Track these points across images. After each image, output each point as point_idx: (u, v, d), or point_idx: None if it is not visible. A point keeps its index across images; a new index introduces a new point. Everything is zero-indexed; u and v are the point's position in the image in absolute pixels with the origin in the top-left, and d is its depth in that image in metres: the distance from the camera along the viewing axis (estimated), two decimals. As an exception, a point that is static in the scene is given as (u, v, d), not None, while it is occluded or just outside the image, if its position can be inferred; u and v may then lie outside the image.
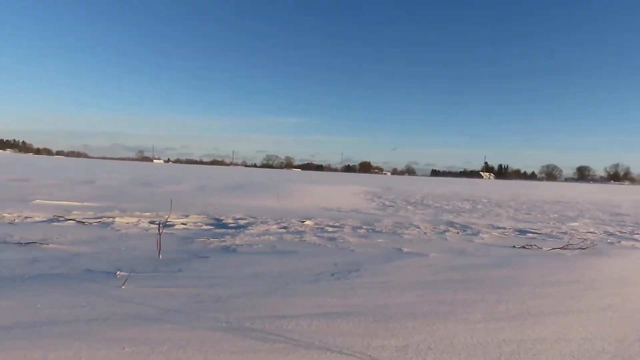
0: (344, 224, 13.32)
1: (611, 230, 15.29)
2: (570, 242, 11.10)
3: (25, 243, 7.66)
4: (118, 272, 5.72)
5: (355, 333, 4.18)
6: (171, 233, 10.04)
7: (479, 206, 24.10)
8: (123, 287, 5.00)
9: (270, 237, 10.08)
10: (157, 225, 9.16)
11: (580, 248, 10.31)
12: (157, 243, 7.47)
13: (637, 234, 14.56)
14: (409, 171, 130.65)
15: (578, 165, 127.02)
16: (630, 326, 5.03)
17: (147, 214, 13.56)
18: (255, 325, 4.11)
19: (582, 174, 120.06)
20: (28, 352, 3.16)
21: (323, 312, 4.65)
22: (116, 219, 11.87)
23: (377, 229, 12.54)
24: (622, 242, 12.39)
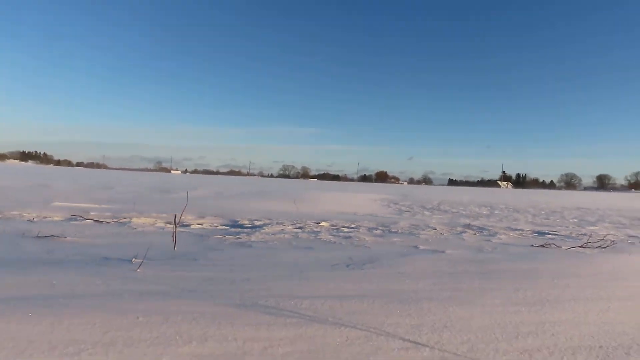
0: (359, 226, 13.25)
1: (632, 232, 14.95)
2: (590, 241, 10.86)
3: (44, 236, 7.78)
4: (133, 259, 5.76)
5: (369, 312, 4.13)
6: (187, 232, 10.10)
7: (497, 212, 23.79)
8: (138, 270, 5.03)
9: (286, 236, 10.07)
10: (173, 225, 9.23)
11: (600, 247, 10.10)
12: (172, 236, 7.52)
13: (660, 236, 14.20)
14: (426, 180, 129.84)
15: (598, 173, 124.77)
16: (653, 313, 4.88)
17: (164, 215, 13.68)
18: (269, 303, 4.09)
19: (602, 183, 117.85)
20: (44, 317, 3.20)
21: (337, 295, 4.61)
22: (133, 219, 12.00)
23: (392, 230, 12.44)
24: (645, 242, 12.10)
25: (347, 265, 6.53)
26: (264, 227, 11.54)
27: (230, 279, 4.86)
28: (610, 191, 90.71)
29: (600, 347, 3.80)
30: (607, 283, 6.22)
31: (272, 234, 10.24)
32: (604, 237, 11.39)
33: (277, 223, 12.75)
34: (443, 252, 8.48)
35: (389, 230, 12.30)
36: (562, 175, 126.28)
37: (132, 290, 4.12)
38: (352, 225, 13.15)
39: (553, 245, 10.27)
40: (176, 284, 4.49)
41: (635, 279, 6.74)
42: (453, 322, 4.10)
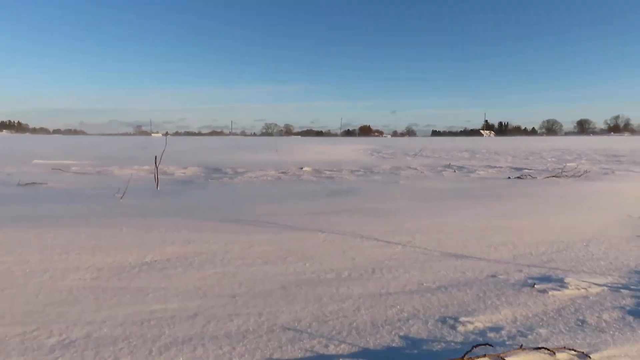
0: (342, 169, 13.43)
1: (607, 166, 15.39)
2: (564, 171, 11.20)
3: (25, 184, 7.79)
4: (116, 194, 5.85)
5: (346, 222, 4.34)
6: (170, 178, 10.16)
7: (478, 155, 24.16)
8: (121, 199, 5.14)
9: (269, 178, 10.19)
10: (155, 170, 9.26)
11: (574, 176, 10.45)
12: (155, 179, 7.59)
13: (632, 170, 14.67)
14: (409, 133, 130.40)
15: (578, 119, 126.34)
16: (616, 218, 5.17)
17: (146, 167, 13.66)
18: (250, 218, 4.26)
19: (583, 128, 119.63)
20: (31, 229, 3.32)
21: (316, 212, 4.80)
22: (115, 171, 11.99)
23: (375, 171, 12.64)
24: (617, 172, 12.50)
25: (328, 195, 6.72)
26: (247, 173, 11.64)
27: (212, 204, 5.01)
28: (590, 135, 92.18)
29: (562, 241, 4.07)
30: (573, 200, 6.53)
31: (255, 177, 10.36)
32: (577, 166, 11.73)
33: (259, 170, 12.86)
34: (422, 184, 8.73)
35: (371, 171, 12.50)
36: (543, 121, 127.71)
37: (115, 213, 4.25)
38: (335, 169, 13.32)
39: (529, 177, 10.58)
40: (159, 208, 4.62)
41: (601, 198, 7.05)
42: (425, 228, 4.32)
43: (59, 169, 11.66)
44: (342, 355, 2.00)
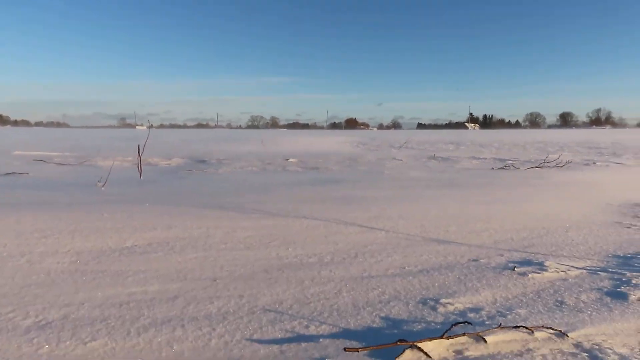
0: (327, 160, 13.42)
1: (588, 158, 15.61)
2: (547, 161, 11.33)
3: (4, 174, 7.64)
4: (98, 183, 5.78)
5: (330, 209, 4.33)
6: (154, 169, 10.06)
7: (462, 147, 24.33)
8: (102, 188, 5.07)
9: (254, 168, 10.15)
10: (138, 159, 9.14)
11: (556, 166, 10.58)
12: (138, 168, 7.51)
13: (612, 161, 14.89)
14: (395, 125, 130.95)
15: (561, 112, 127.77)
16: (596, 206, 5.25)
17: (129, 158, 13.51)
18: (233, 205, 4.24)
19: (565, 120, 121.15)
20: (9, 215, 3.26)
21: (299, 199, 4.79)
22: (98, 162, 11.83)
23: (360, 162, 12.66)
24: (598, 163, 12.69)
25: (311, 184, 6.71)
26: (232, 164, 11.58)
27: (196, 192, 4.97)
28: (572, 128, 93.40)
29: (543, 227, 4.12)
30: (554, 189, 6.61)
31: (240, 168, 10.30)
32: (559, 157, 11.88)
33: (245, 161, 12.80)
34: (407, 175, 8.76)
35: (356, 162, 12.52)
36: (527, 114, 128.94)
37: (96, 201, 4.19)
38: (320, 160, 13.31)
39: (512, 167, 10.69)
40: (141, 196, 4.57)
41: (581, 187, 7.15)
42: (408, 215, 4.34)
43: (41, 160, 11.48)
44: (322, 336, 2.00)
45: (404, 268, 2.92)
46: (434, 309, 2.32)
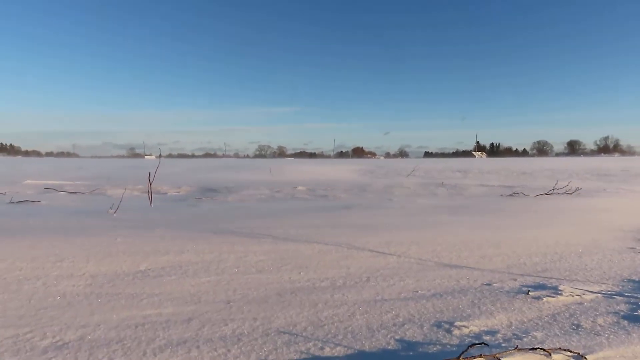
0: (336, 188, 13.45)
1: (598, 185, 15.52)
2: (556, 189, 11.29)
3: (17, 202, 7.74)
4: (109, 210, 5.83)
5: (341, 235, 4.34)
6: (164, 197, 10.14)
7: (470, 174, 24.31)
8: (114, 214, 5.12)
9: (262, 196, 10.19)
10: (148, 187, 9.23)
11: (566, 193, 10.54)
12: (148, 196, 7.58)
13: (622, 187, 14.80)
14: (402, 154, 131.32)
15: (569, 140, 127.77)
16: (608, 232, 5.21)
17: (140, 187, 13.61)
18: (245, 230, 4.26)
19: (573, 148, 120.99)
20: (24, 239, 3.29)
21: (310, 225, 4.80)
22: (108, 191, 11.93)
23: (368, 190, 12.67)
24: (608, 190, 12.61)
25: (322, 210, 6.72)
26: (241, 191, 11.63)
27: (206, 218, 5.01)
28: (580, 156, 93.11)
29: (556, 253, 4.09)
30: (565, 215, 6.58)
31: (249, 196, 10.35)
32: (568, 184, 11.83)
33: (253, 188, 12.85)
34: (415, 201, 8.76)
35: (364, 190, 12.53)
36: (534, 142, 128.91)
37: (108, 227, 4.23)
38: (329, 189, 13.34)
39: (521, 194, 10.65)
40: (152, 222, 4.61)
41: (593, 213, 7.11)
42: (421, 240, 4.33)
43: (52, 189, 11.60)
44: (337, 357, 1.99)
45: (417, 292, 2.91)
46: (448, 331, 2.31)
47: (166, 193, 11.45)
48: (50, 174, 19.19)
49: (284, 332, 2.21)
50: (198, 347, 2.00)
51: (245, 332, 2.19)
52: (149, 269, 3.02)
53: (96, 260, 3.04)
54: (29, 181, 14.81)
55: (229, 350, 1.98)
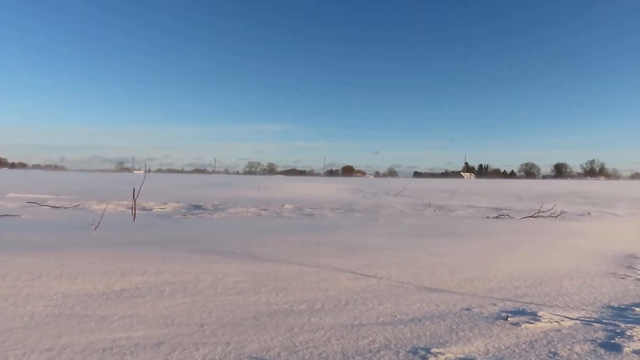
0: (323, 207, 13.41)
1: (583, 208, 15.66)
2: (541, 212, 11.37)
3: (-1, 216, 7.61)
4: (90, 225, 5.75)
5: (323, 256, 4.31)
6: (149, 213, 10.03)
7: (458, 195, 24.42)
8: (95, 231, 5.04)
9: (249, 214, 10.13)
10: (132, 202, 9.14)
11: (551, 216, 10.62)
12: (132, 210, 7.50)
13: (607, 211, 14.94)
14: (392, 173, 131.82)
15: (556, 162, 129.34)
16: (591, 256, 5.24)
17: (125, 202, 13.48)
18: (225, 249, 4.21)
19: (560, 171, 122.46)
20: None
21: (293, 245, 4.77)
22: (92, 206, 11.79)
23: (355, 209, 12.66)
24: (592, 213, 12.73)
25: (306, 230, 6.68)
26: (227, 209, 11.56)
27: (188, 237, 4.95)
28: (567, 178, 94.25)
29: (537, 277, 4.09)
30: (549, 239, 6.61)
31: (235, 213, 10.28)
32: (553, 207, 11.92)
33: (240, 206, 12.77)
34: (401, 222, 8.76)
35: (352, 209, 12.52)
36: (522, 165, 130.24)
37: (87, 243, 4.16)
38: (316, 207, 13.31)
39: (507, 217, 10.71)
40: (132, 239, 4.55)
41: (576, 237, 7.15)
42: (402, 262, 4.31)
43: (35, 203, 11.44)
44: (309, 385, 1.95)
45: (396, 316, 2.88)
46: (424, 358, 2.28)
47: (152, 209, 11.34)
48: (35, 187, 18.95)
49: (257, 358, 2.16)
50: (166, 373, 1.95)
51: (217, 357, 2.14)
52: (124, 289, 2.96)
53: (70, 279, 2.98)
54: (11, 194, 14.60)
55: (197, 377, 1.93)
